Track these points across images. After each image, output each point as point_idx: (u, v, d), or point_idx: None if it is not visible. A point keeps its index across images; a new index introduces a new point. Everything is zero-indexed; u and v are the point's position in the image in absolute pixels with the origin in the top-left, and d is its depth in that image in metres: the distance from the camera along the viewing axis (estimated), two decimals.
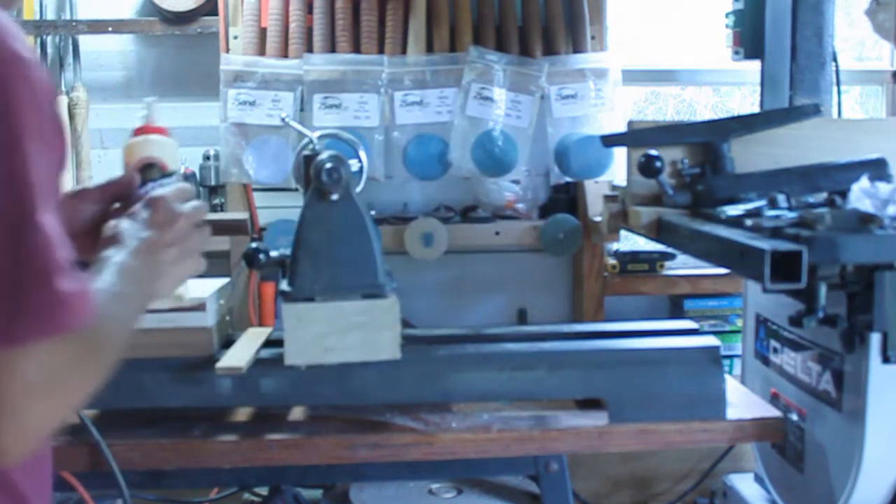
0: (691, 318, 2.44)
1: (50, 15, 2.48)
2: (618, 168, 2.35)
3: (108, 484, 1.47)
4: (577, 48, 2.45)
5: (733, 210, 1.57)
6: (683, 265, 2.56)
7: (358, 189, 1.62)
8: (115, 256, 1.01)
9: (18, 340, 0.79)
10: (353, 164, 1.55)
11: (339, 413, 1.60)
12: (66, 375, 0.84)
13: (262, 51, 2.40)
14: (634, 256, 2.52)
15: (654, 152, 1.73)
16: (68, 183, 2.44)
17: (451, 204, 2.51)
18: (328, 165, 1.44)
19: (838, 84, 2.22)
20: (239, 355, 1.54)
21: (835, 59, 2.17)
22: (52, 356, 0.81)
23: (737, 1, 2.24)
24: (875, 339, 1.39)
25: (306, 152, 1.57)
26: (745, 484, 1.97)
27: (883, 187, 1.45)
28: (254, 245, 1.59)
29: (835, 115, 2.23)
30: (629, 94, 2.85)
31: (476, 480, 1.84)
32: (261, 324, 2.42)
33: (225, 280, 1.73)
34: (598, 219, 2.19)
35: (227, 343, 1.64)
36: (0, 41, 0.80)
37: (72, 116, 2.46)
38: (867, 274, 1.36)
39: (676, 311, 2.58)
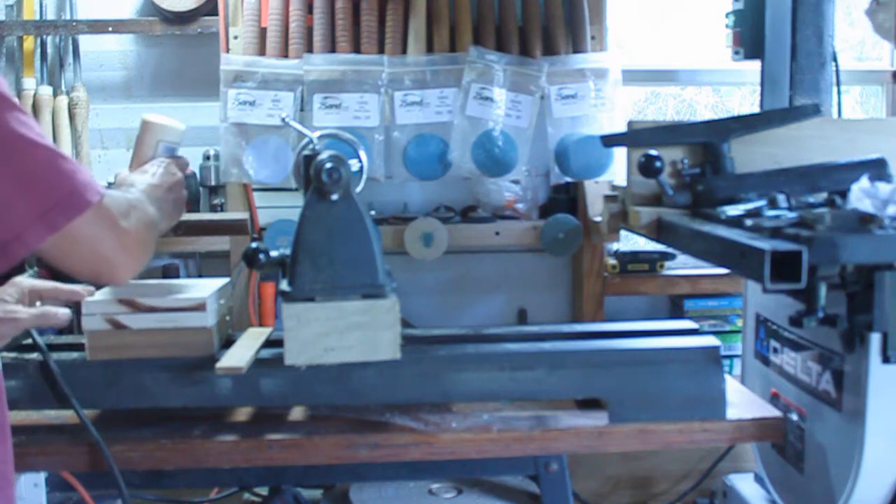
0: (691, 318, 2.44)
1: (50, 15, 2.48)
2: (618, 168, 2.35)
3: (108, 484, 1.47)
4: (577, 48, 2.45)
5: (733, 210, 1.57)
6: (683, 265, 2.56)
7: (358, 189, 1.62)
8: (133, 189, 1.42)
9: (61, 224, 1.07)
10: (353, 164, 1.55)
11: (339, 413, 1.60)
12: (129, 218, 1.21)
13: (262, 51, 2.40)
14: (634, 256, 2.52)
15: (654, 152, 1.73)
16: None
17: (451, 204, 2.51)
18: (328, 165, 1.44)
19: (838, 84, 2.22)
20: (239, 355, 1.54)
21: (835, 59, 2.17)
22: (102, 214, 1.14)
23: (737, 1, 2.24)
24: (875, 339, 1.39)
25: (306, 152, 1.57)
26: (745, 484, 1.97)
27: (883, 187, 1.45)
28: (254, 245, 1.59)
29: (835, 115, 2.23)
30: (629, 94, 2.85)
31: (476, 480, 1.84)
32: (261, 324, 2.42)
33: (225, 280, 1.73)
34: (598, 219, 2.19)
35: (227, 343, 1.64)
36: None
37: (72, 116, 2.46)
38: (867, 274, 1.36)
39: (676, 311, 2.59)
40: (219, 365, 1.49)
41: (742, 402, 1.63)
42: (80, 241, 1.12)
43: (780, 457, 1.73)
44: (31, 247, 1.06)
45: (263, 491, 2.02)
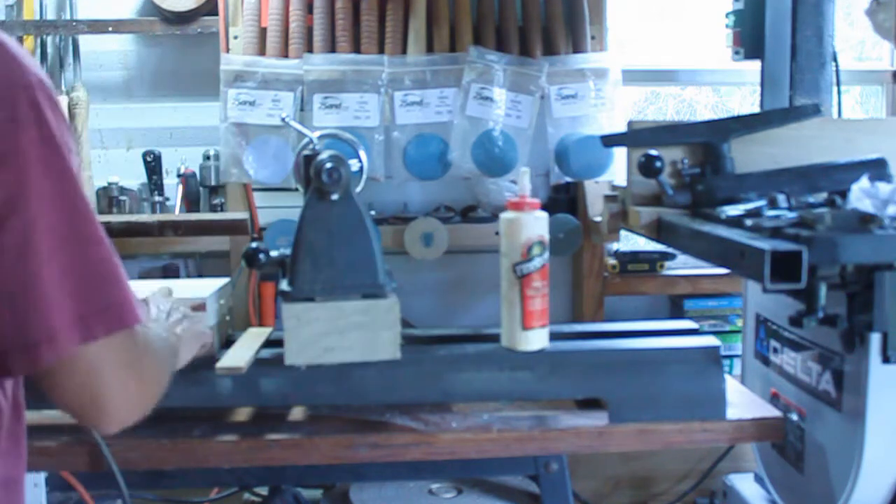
0: (691, 318, 2.44)
1: (50, 15, 2.48)
2: (618, 168, 2.35)
3: (108, 484, 1.47)
4: (577, 48, 2.45)
5: (733, 210, 1.57)
6: (683, 265, 2.56)
7: (358, 189, 1.62)
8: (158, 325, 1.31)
9: (98, 335, 0.91)
10: (353, 164, 1.55)
11: (339, 413, 1.60)
12: (145, 361, 1.00)
13: (262, 51, 2.40)
14: (634, 256, 2.52)
15: (654, 152, 1.73)
16: None
17: (451, 204, 2.51)
18: (328, 165, 1.44)
19: (838, 84, 2.22)
20: (239, 355, 1.54)
21: (835, 59, 2.17)
22: (127, 346, 0.96)
23: (737, 1, 2.24)
24: (875, 339, 1.39)
25: (306, 152, 1.57)
26: (745, 484, 1.97)
27: (883, 187, 1.45)
28: (254, 245, 1.59)
29: (835, 115, 2.23)
30: (629, 94, 2.85)
31: (476, 480, 1.84)
32: (261, 324, 2.42)
33: (225, 280, 1.73)
34: (598, 219, 2.19)
35: (227, 343, 1.64)
36: (26, 68, 0.90)
37: (72, 116, 2.45)
38: (867, 274, 1.36)
39: (676, 311, 2.58)
40: (219, 365, 1.49)
41: (742, 402, 1.63)
42: (80, 368, 0.91)
43: (780, 457, 1.73)
44: (61, 353, 0.89)
45: (263, 491, 2.02)
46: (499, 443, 1.53)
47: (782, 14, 2.14)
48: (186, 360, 1.39)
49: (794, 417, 1.64)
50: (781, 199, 1.57)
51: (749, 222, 1.44)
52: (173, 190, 2.48)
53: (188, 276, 2.53)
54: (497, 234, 1.58)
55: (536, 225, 1.54)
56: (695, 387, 1.56)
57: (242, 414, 1.62)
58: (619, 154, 2.29)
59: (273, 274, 2.32)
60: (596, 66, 2.42)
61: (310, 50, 2.39)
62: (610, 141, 1.96)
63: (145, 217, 2.40)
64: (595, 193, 2.41)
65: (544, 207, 1.58)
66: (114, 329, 0.92)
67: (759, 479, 1.94)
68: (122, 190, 2.47)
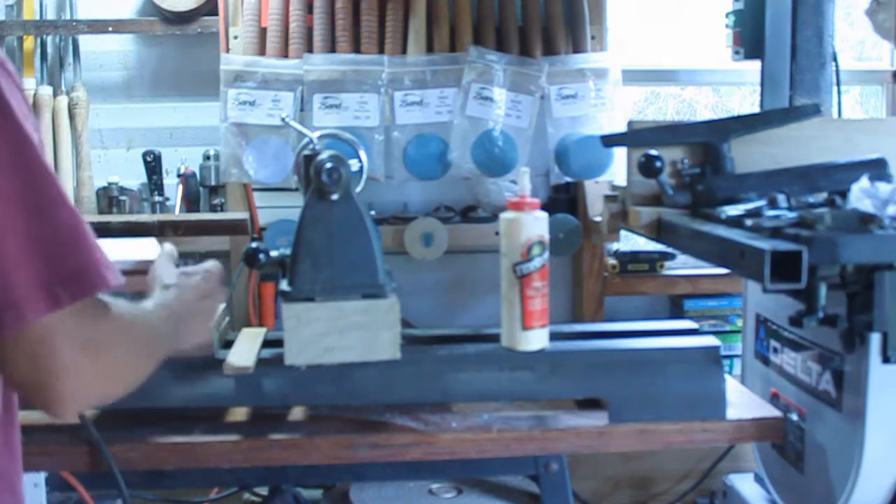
0: (691, 318, 2.44)
1: (50, 15, 2.48)
2: (618, 168, 2.36)
3: (108, 484, 1.47)
4: (577, 48, 2.46)
5: (733, 210, 1.57)
6: (683, 265, 2.56)
7: (358, 189, 1.62)
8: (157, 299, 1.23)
9: (64, 303, 0.88)
10: (353, 164, 1.55)
11: (339, 413, 1.60)
12: (109, 341, 0.95)
13: (262, 51, 2.40)
14: (634, 256, 2.52)
15: (654, 152, 1.73)
16: (67, 183, 2.44)
17: (451, 204, 2.51)
18: (328, 165, 1.44)
19: (838, 84, 2.22)
20: (244, 355, 1.54)
21: (835, 59, 2.17)
22: (92, 318, 0.92)
23: (737, 1, 2.24)
24: (875, 339, 1.39)
25: (306, 152, 1.57)
26: (745, 484, 1.97)
27: (883, 187, 1.45)
28: (254, 245, 1.59)
29: (835, 115, 2.23)
30: (629, 94, 2.85)
31: (476, 480, 1.84)
32: (261, 324, 2.42)
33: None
34: (598, 219, 2.19)
35: (226, 343, 1.64)
36: None
37: (72, 116, 2.46)
38: (867, 274, 1.36)
39: (676, 311, 2.59)
40: (227, 365, 1.49)
41: (742, 402, 1.63)
42: (33, 340, 0.88)
43: (780, 457, 1.73)
44: (28, 321, 0.87)
45: (263, 491, 2.02)
46: (499, 443, 1.53)
47: (782, 14, 2.14)
48: (196, 337, 1.37)
49: (794, 417, 1.64)
50: (781, 199, 1.57)
51: (749, 222, 1.44)
52: (173, 190, 2.49)
53: None
54: (497, 234, 1.58)
55: (536, 225, 1.53)
56: (695, 387, 1.56)
57: (242, 414, 1.62)
58: (619, 154, 2.29)
59: (273, 274, 2.32)
60: (596, 66, 2.43)
61: (310, 50, 2.39)
62: (610, 141, 1.96)
63: (145, 217, 2.40)
64: (595, 193, 2.41)
65: (544, 207, 1.58)
66: (78, 296, 0.89)
67: (759, 479, 1.94)
68: (122, 190, 2.47)
